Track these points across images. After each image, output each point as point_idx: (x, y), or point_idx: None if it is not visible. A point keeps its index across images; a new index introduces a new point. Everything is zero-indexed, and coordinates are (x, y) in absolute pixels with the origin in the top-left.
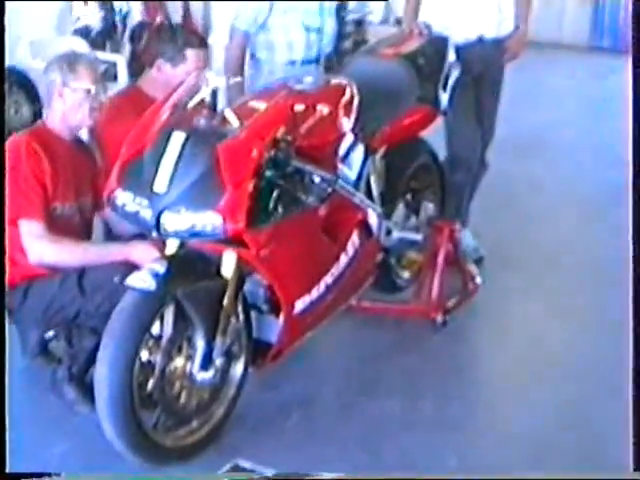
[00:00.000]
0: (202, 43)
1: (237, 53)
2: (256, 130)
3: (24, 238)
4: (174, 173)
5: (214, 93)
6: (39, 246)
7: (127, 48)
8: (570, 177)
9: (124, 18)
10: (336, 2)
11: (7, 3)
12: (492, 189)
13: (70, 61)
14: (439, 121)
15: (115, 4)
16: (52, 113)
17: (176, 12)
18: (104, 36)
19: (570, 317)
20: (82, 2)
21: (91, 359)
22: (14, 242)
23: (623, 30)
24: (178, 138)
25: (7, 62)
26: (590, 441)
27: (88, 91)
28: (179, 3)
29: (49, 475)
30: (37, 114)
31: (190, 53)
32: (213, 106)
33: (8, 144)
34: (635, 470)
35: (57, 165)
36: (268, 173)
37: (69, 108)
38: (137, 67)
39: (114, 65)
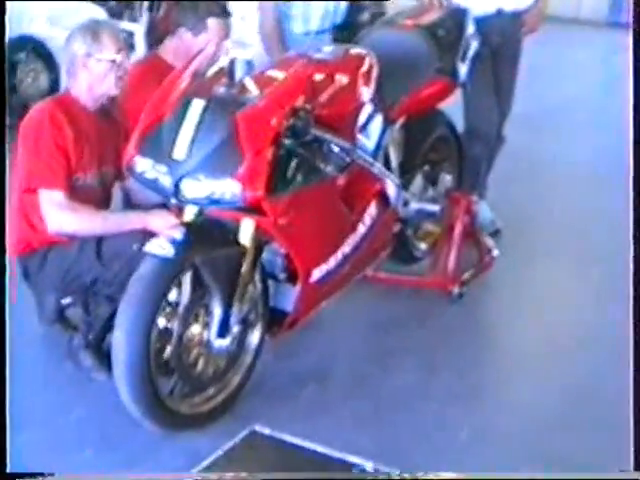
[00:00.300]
0: (224, 12)
1: (273, 24)
2: (275, 99)
3: (44, 207)
4: (193, 140)
5: (232, 62)
6: (59, 216)
7: (145, 17)
8: (586, 151)
9: None
10: None
11: None
12: (509, 163)
13: (93, 31)
14: (458, 93)
15: None
16: (77, 83)
17: None
18: (123, 5)
19: (589, 290)
20: None
21: (107, 326)
22: (35, 209)
23: None
24: (197, 106)
25: (25, 31)
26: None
27: (113, 61)
28: None
29: (48, 475)
30: (54, 82)
31: (212, 22)
32: (231, 75)
33: (31, 112)
34: (635, 470)
35: (80, 135)
36: (287, 142)
37: (95, 78)
38: (155, 37)
39: (131, 35)
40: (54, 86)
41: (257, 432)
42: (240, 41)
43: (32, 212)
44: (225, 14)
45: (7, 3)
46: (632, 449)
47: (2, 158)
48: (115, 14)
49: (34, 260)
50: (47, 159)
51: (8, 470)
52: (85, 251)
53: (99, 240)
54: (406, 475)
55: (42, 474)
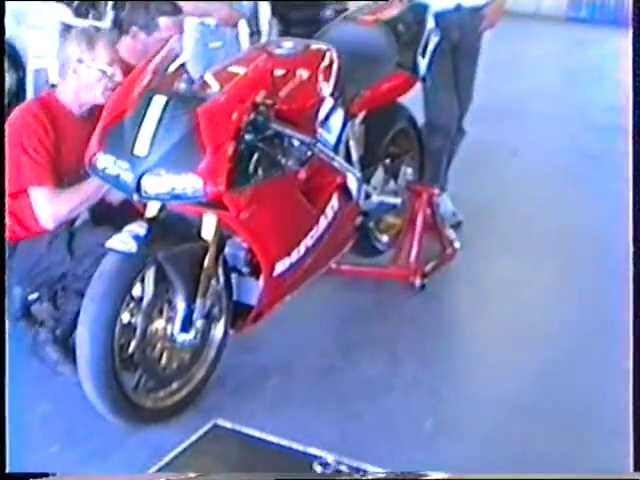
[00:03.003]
0: (175, 10)
1: None
2: (236, 94)
3: (37, 205)
4: (155, 136)
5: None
6: (52, 208)
7: (110, 16)
8: (546, 143)
9: None
10: None
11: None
12: (469, 155)
13: (90, 38)
14: (418, 87)
15: None
16: (64, 87)
17: None
18: (88, 4)
19: (549, 279)
20: None
21: (76, 321)
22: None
23: (600, 2)
24: (159, 102)
25: None
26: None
27: (104, 71)
28: None
29: (48, 475)
30: (20, 81)
31: (163, 21)
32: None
33: (14, 113)
34: (635, 470)
35: (61, 135)
36: (248, 136)
37: (83, 85)
38: (119, 35)
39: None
40: (19, 84)
41: (219, 426)
42: None
43: (22, 212)
44: (176, 12)
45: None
46: (632, 449)
47: (1, 157)
48: (80, 13)
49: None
50: (35, 157)
51: (8, 470)
52: (55, 245)
53: (70, 235)
54: (394, 475)
55: (42, 474)
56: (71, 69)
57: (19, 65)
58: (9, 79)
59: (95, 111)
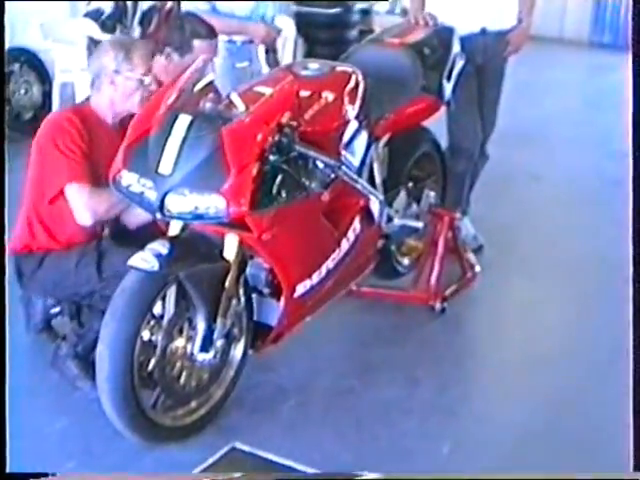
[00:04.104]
0: (210, 33)
1: None
2: (261, 115)
3: (73, 202)
4: (179, 155)
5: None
6: (90, 204)
7: (137, 32)
8: (568, 168)
9: (135, 2)
10: None
11: None
12: (492, 179)
13: (127, 49)
14: (442, 110)
15: None
16: (99, 97)
17: None
18: (115, 19)
19: (569, 304)
20: None
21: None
22: (56, 216)
23: (624, 26)
24: (184, 121)
25: (19, 43)
26: (587, 434)
27: (141, 80)
28: None
29: (48, 475)
30: (47, 94)
31: (197, 43)
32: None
33: (47, 119)
34: (635, 470)
35: (95, 145)
36: (272, 158)
37: (120, 95)
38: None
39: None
40: (46, 98)
41: (237, 449)
42: None
43: (52, 220)
44: (211, 35)
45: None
46: (632, 449)
47: (2, 159)
48: (107, 28)
49: (29, 262)
50: (71, 156)
51: (7, 470)
52: (84, 264)
53: (100, 255)
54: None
55: (42, 474)
56: (107, 80)
57: (46, 78)
58: (36, 92)
59: (127, 122)
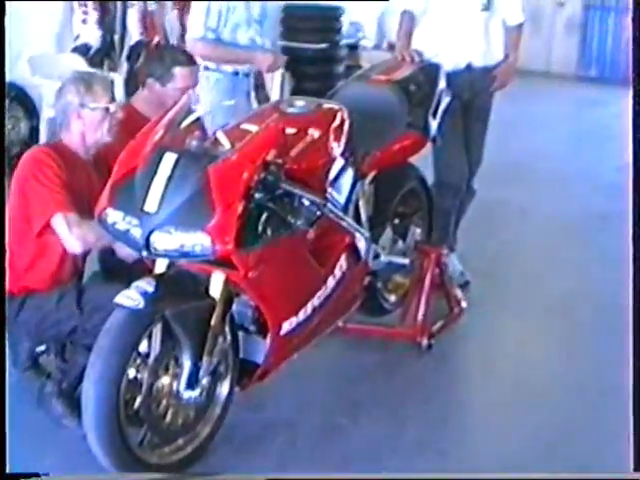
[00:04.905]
0: (190, 61)
1: None
2: (247, 152)
3: (62, 231)
4: (165, 193)
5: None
6: (78, 232)
7: (124, 67)
8: (555, 202)
9: (122, 37)
10: None
11: (8, 19)
12: (479, 214)
13: (87, 82)
14: (428, 146)
15: (114, 24)
16: (69, 133)
17: (174, 32)
18: (102, 54)
19: (553, 341)
20: (82, 21)
21: (83, 375)
22: (44, 250)
23: (610, 60)
24: (170, 159)
25: (7, 78)
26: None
27: (107, 109)
28: (177, 23)
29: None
30: (34, 129)
31: (178, 71)
32: (204, 128)
33: (26, 155)
34: (635, 470)
35: (73, 178)
36: (258, 195)
37: (88, 127)
38: (134, 86)
39: (111, 83)
40: (34, 133)
41: None
42: None
43: (37, 256)
44: (191, 63)
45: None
46: (632, 449)
47: (2, 166)
48: (95, 63)
49: (11, 305)
50: (54, 188)
51: (7, 470)
52: (65, 301)
53: (80, 291)
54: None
55: (42, 474)
56: (74, 115)
57: (33, 114)
58: (23, 127)
59: (101, 156)
